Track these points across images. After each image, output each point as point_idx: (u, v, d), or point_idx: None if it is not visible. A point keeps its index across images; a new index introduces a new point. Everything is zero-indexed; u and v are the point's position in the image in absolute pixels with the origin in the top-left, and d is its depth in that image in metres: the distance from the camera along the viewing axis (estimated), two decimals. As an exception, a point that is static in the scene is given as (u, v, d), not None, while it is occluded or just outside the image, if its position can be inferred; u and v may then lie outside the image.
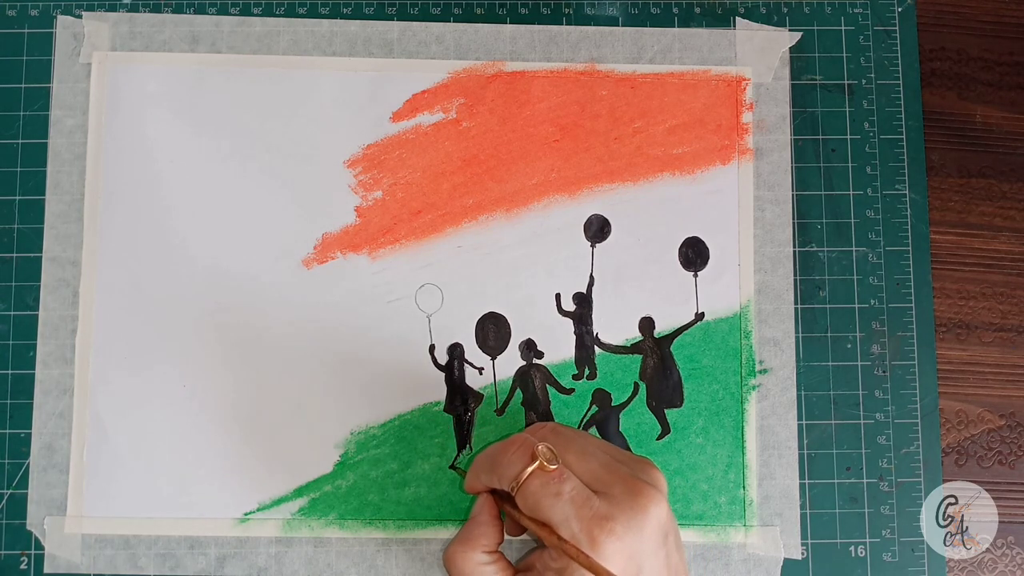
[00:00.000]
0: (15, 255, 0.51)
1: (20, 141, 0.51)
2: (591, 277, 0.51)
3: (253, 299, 0.51)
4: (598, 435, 0.50)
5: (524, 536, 0.48)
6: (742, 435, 0.50)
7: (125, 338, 0.50)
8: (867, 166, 0.52)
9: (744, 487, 0.50)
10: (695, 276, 0.51)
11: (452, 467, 0.50)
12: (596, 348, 0.51)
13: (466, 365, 0.51)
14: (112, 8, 0.52)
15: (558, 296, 0.51)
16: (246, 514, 0.49)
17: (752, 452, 0.50)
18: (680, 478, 0.50)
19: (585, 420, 0.50)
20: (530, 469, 0.40)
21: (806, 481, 0.50)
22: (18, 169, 0.51)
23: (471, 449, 0.50)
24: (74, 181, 0.51)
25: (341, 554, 0.49)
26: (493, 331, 0.51)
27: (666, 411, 0.51)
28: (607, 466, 0.41)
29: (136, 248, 0.51)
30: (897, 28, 0.53)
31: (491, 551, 0.43)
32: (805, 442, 0.50)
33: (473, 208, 0.52)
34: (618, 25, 0.53)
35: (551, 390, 0.51)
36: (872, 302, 0.51)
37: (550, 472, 0.40)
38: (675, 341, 0.51)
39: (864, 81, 0.53)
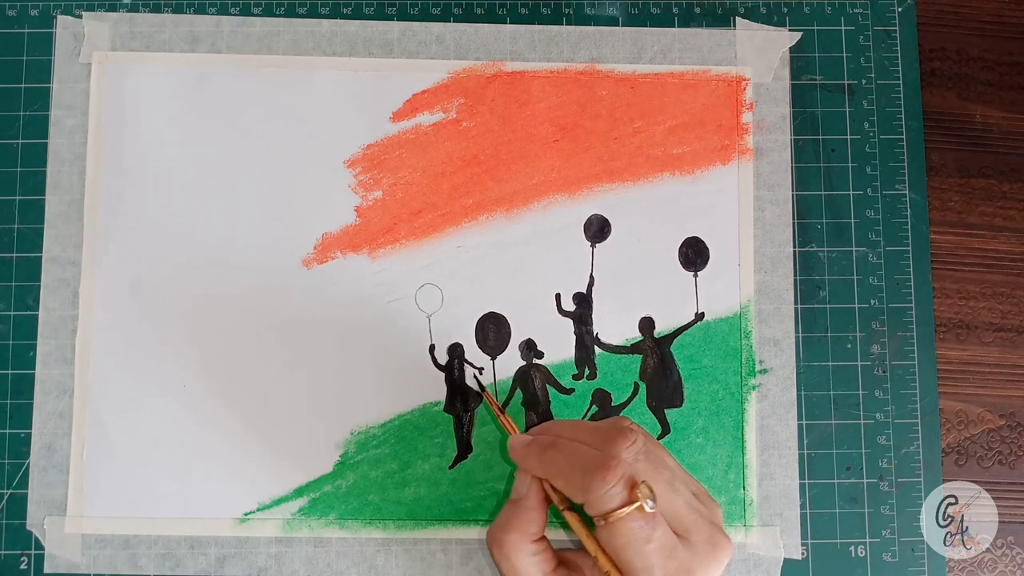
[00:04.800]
0: (15, 255, 0.51)
1: (20, 141, 0.51)
2: (591, 277, 0.51)
3: (253, 299, 0.51)
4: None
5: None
6: (742, 435, 0.50)
7: (125, 338, 0.50)
8: (867, 166, 0.52)
9: (744, 487, 0.50)
10: (695, 276, 0.51)
11: (501, 419, 0.47)
12: (596, 348, 0.51)
13: (466, 365, 0.51)
14: (112, 8, 0.52)
15: (558, 296, 0.51)
16: (246, 514, 0.49)
17: (752, 452, 0.50)
18: (680, 478, 0.50)
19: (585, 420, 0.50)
20: (629, 510, 0.37)
21: (806, 481, 0.50)
22: (18, 169, 0.51)
23: (472, 450, 0.50)
24: (74, 181, 0.51)
25: (341, 554, 0.49)
26: (493, 331, 0.51)
27: (666, 411, 0.51)
28: (689, 505, 0.40)
29: (136, 248, 0.51)
30: (897, 28, 0.53)
31: (538, 539, 0.41)
32: (805, 442, 0.50)
33: (473, 208, 0.52)
34: (618, 25, 0.53)
35: (551, 390, 0.51)
36: (872, 302, 0.51)
37: (646, 516, 0.37)
38: (675, 341, 0.51)
39: (864, 81, 0.53)
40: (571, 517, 0.41)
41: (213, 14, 0.53)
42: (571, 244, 0.51)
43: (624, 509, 0.37)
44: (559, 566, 0.41)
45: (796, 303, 0.51)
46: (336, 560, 0.49)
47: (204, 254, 0.51)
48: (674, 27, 0.53)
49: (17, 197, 0.51)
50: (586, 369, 0.51)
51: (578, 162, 0.52)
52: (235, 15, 0.53)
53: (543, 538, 0.42)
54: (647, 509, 0.37)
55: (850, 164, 0.52)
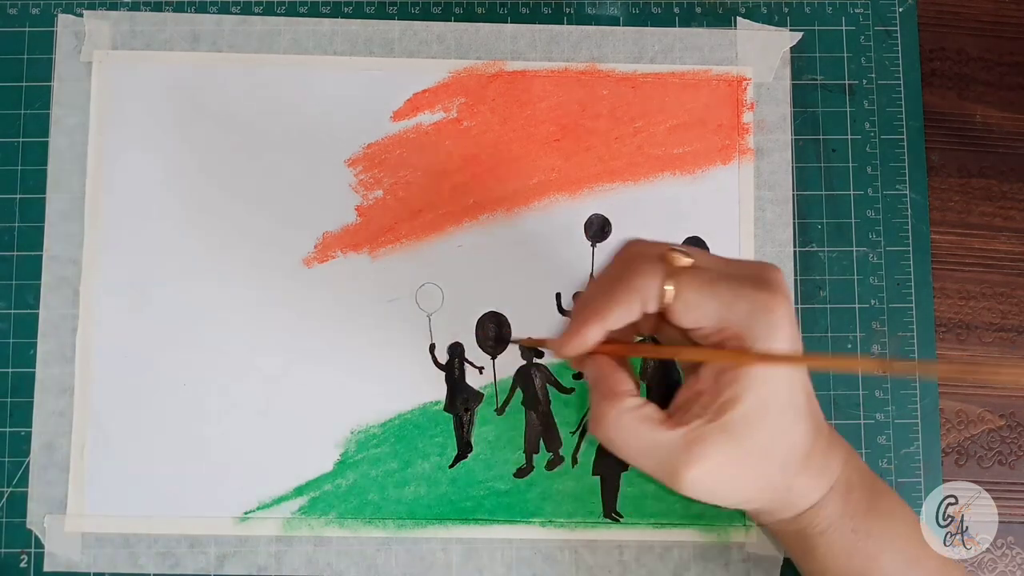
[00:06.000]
0: (16, 253, 0.51)
1: (21, 139, 0.51)
2: (591, 276, 0.51)
3: (253, 298, 0.51)
4: (598, 434, 0.50)
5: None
6: (742, 435, 0.50)
7: (126, 337, 0.50)
8: (867, 166, 0.52)
9: (744, 487, 0.50)
10: (695, 276, 0.51)
11: (513, 341, 0.49)
12: (596, 347, 0.51)
13: (466, 364, 0.51)
14: (113, 7, 0.52)
15: (558, 296, 0.51)
16: (246, 513, 0.49)
17: (752, 452, 0.50)
18: (680, 478, 0.50)
19: (585, 420, 0.50)
20: (677, 268, 0.36)
21: (806, 481, 0.50)
22: (19, 167, 0.51)
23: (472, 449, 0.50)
24: (75, 180, 0.51)
25: (341, 553, 0.49)
26: (493, 330, 0.51)
27: (666, 411, 0.50)
28: (724, 259, 0.39)
29: (137, 247, 0.51)
30: (898, 28, 0.53)
31: (635, 395, 0.38)
32: (805, 442, 0.50)
33: (474, 207, 0.52)
34: (619, 25, 0.53)
35: (551, 389, 0.51)
36: (872, 302, 0.52)
37: (693, 267, 0.37)
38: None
39: (865, 81, 0.53)
40: (652, 351, 0.40)
41: (214, 13, 0.53)
42: (572, 244, 0.51)
43: (670, 277, 0.36)
44: (670, 416, 0.38)
45: (796, 303, 0.51)
46: (336, 559, 0.49)
47: (204, 253, 0.51)
48: (675, 27, 0.53)
49: (18, 195, 0.51)
50: (586, 368, 0.51)
51: (579, 162, 0.52)
52: (236, 14, 0.53)
53: (637, 396, 0.39)
54: (685, 262, 0.37)
55: (850, 164, 0.52)
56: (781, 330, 0.36)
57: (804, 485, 0.40)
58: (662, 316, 0.38)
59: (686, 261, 0.37)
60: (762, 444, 0.37)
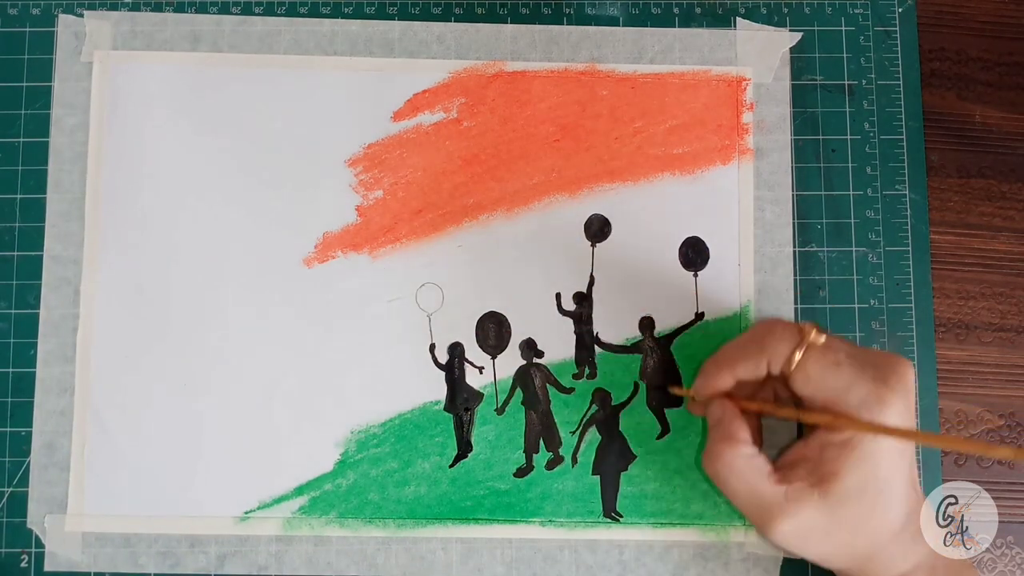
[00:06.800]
0: (16, 253, 0.51)
1: (21, 140, 0.52)
2: (591, 276, 0.51)
3: (253, 298, 0.51)
4: (599, 436, 0.50)
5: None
6: (742, 435, 0.50)
7: (126, 337, 0.50)
8: (867, 166, 0.52)
9: (744, 487, 0.50)
10: (695, 276, 0.51)
11: (671, 389, 0.50)
12: (596, 347, 0.51)
13: (466, 364, 0.51)
14: (114, 7, 0.53)
15: (558, 295, 0.51)
16: (246, 512, 0.49)
17: (752, 452, 0.50)
18: (680, 478, 0.50)
19: (585, 419, 0.50)
20: (805, 343, 0.41)
21: (806, 481, 0.50)
22: (19, 168, 0.51)
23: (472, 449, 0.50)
24: (75, 180, 0.51)
25: (341, 553, 0.49)
26: (493, 330, 0.51)
27: (666, 411, 0.51)
28: (857, 347, 0.42)
29: (137, 247, 0.51)
30: (897, 28, 0.54)
31: (750, 444, 0.42)
32: (805, 442, 0.50)
33: (474, 207, 0.52)
34: (619, 25, 0.53)
35: (551, 389, 0.51)
36: (872, 302, 0.52)
37: (823, 346, 0.41)
38: (675, 341, 0.51)
39: (864, 81, 0.53)
40: (771, 408, 0.43)
41: (214, 13, 0.53)
42: (571, 244, 0.51)
43: (802, 347, 0.41)
44: (777, 469, 0.42)
45: (796, 303, 0.51)
46: (336, 559, 0.49)
47: (205, 253, 0.51)
48: (675, 27, 0.53)
49: (18, 195, 0.51)
50: (586, 368, 0.51)
51: (578, 162, 0.52)
52: (236, 14, 0.53)
53: (753, 445, 0.43)
54: (820, 340, 0.41)
55: (850, 164, 0.52)
56: (889, 423, 0.39)
57: (888, 558, 0.42)
58: (785, 383, 0.42)
59: (820, 339, 0.41)
60: (855, 517, 0.40)
